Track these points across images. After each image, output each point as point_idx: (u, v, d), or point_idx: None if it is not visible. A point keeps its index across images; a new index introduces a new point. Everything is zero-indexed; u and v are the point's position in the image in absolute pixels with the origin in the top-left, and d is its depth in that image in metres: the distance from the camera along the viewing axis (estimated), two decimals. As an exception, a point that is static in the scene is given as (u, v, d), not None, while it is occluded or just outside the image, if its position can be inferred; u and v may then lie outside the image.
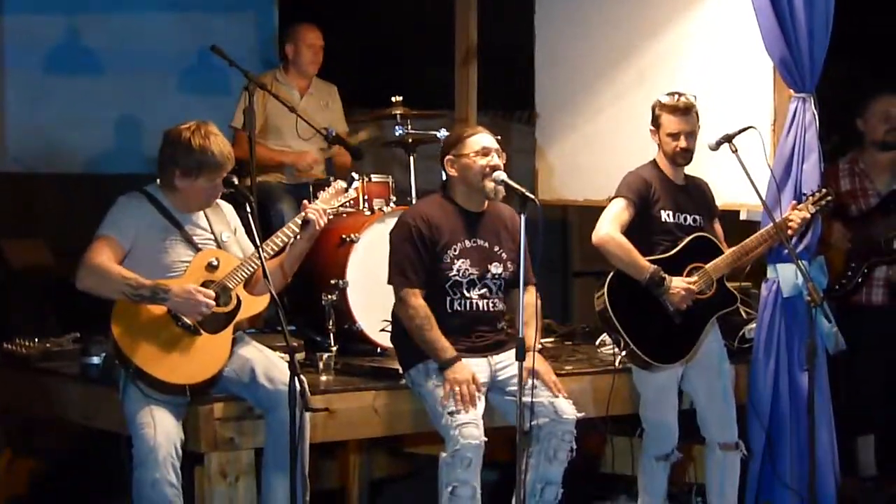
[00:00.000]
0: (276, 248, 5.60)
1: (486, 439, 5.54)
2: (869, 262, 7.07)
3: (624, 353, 6.08)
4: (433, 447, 6.12)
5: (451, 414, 5.54)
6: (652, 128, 6.17)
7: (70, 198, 8.57)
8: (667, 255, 6.06)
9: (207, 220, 5.61)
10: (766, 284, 6.46)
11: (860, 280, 7.08)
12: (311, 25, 7.89)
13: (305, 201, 5.73)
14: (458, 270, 5.76)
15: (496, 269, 5.84)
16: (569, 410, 5.72)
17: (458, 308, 5.78)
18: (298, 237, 5.65)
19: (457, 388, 5.55)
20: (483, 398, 5.67)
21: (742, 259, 6.16)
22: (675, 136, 6.11)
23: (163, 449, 5.21)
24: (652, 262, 6.00)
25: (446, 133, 6.96)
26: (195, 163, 5.45)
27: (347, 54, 8.51)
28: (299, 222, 5.66)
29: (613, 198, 6.12)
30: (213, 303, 5.38)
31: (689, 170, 6.28)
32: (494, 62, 8.53)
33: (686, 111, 6.10)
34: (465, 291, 5.78)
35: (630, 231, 6.04)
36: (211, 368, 5.39)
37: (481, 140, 5.80)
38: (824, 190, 6.28)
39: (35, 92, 8.65)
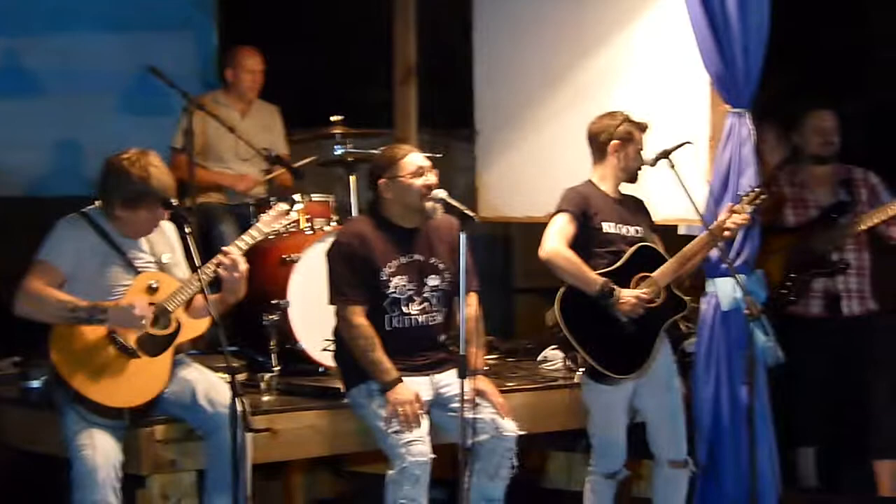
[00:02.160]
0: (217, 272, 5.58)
1: (433, 456, 5.55)
2: (808, 274, 7.12)
3: (582, 369, 6.07)
4: (376, 466, 6.13)
5: (396, 433, 5.55)
6: (617, 141, 6.18)
7: (9, 221, 8.50)
8: (613, 266, 6.08)
9: (149, 242, 5.60)
10: (706, 299, 6.51)
11: (798, 290, 7.13)
12: (251, 50, 7.88)
13: (222, 252, 5.59)
14: (395, 287, 5.77)
15: (433, 280, 5.85)
16: (509, 427, 5.73)
17: (397, 325, 5.78)
18: (224, 287, 5.57)
19: (400, 410, 5.55)
20: (427, 416, 5.68)
21: (685, 265, 6.17)
22: (640, 153, 6.19)
23: (102, 471, 5.20)
24: (600, 275, 6.03)
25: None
26: (135, 194, 5.43)
27: (287, 74, 8.51)
28: (241, 245, 5.64)
29: (554, 214, 6.15)
30: (150, 314, 5.36)
31: (629, 185, 6.31)
32: (433, 80, 8.55)
33: (646, 131, 6.22)
34: (403, 308, 5.79)
35: (574, 245, 6.06)
36: (150, 392, 5.38)
37: (415, 160, 5.82)
38: (758, 189, 6.32)
39: (-28, 114, 8.60)
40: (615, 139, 6.19)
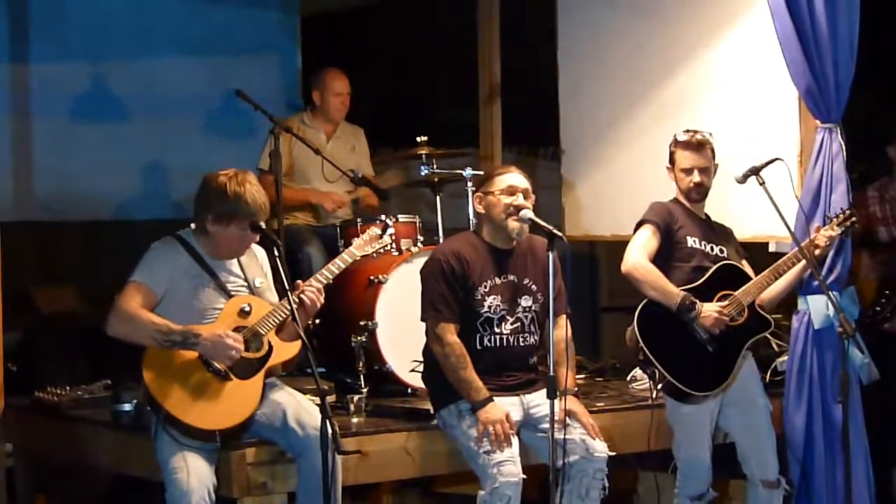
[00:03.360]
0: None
1: (524, 476, 5.51)
2: (903, 290, 7.05)
3: (660, 386, 6.02)
4: (464, 487, 6.11)
5: (487, 453, 5.52)
6: (668, 165, 6.20)
7: (98, 244, 8.61)
8: (696, 283, 6.03)
9: (241, 266, 5.63)
10: (797, 316, 6.43)
11: (893, 308, 7.04)
12: (338, 72, 7.90)
13: (299, 281, 5.64)
14: (490, 307, 5.75)
15: (526, 301, 5.83)
16: (600, 448, 5.69)
17: (488, 344, 5.76)
18: (298, 313, 5.51)
19: (490, 429, 5.53)
20: (517, 437, 5.65)
21: (772, 283, 6.09)
22: (688, 172, 6.14)
23: (196, 494, 5.21)
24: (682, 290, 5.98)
25: (472, 171, 6.97)
26: (228, 210, 5.46)
27: (370, 95, 8.54)
28: (334, 269, 5.69)
29: (638, 225, 6.11)
30: (243, 347, 5.38)
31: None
32: (518, 99, 8.54)
33: (699, 147, 6.13)
34: (495, 328, 5.77)
35: (657, 257, 6.03)
36: (241, 414, 5.39)
37: (508, 179, 5.80)
38: (848, 211, 6.24)
39: (61, 139, 8.71)
40: (668, 163, 6.19)
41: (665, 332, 5.96)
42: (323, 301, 5.60)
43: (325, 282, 5.66)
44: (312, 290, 5.55)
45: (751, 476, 6.22)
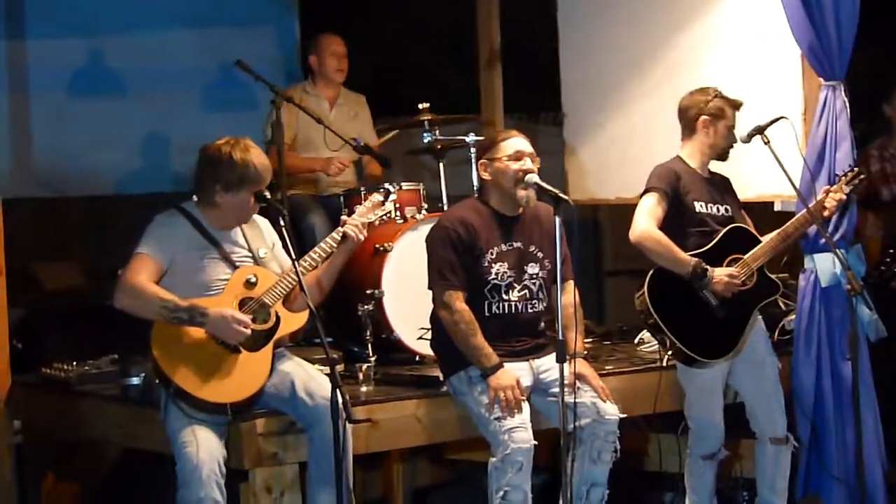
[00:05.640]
0: (315, 264, 5.57)
1: (535, 442, 5.51)
2: (906, 248, 7.03)
3: (671, 352, 6.01)
4: (475, 453, 6.11)
5: (498, 419, 5.51)
6: (707, 117, 6.11)
7: (100, 219, 8.59)
8: (705, 248, 6.00)
9: (244, 236, 5.59)
10: (804, 275, 6.42)
11: (898, 265, 7.04)
12: (332, 34, 7.89)
13: (344, 216, 5.70)
14: (497, 274, 5.73)
15: (533, 269, 5.80)
16: (611, 411, 5.68)
17: (497, 311, 5.74)
18: (336, 251, 5.61)
19: (501, 395, 5.52)
20: (527, 402, 5.63)
21: (780, 246, 6.10)
22: (731, 131, 6.12)
23: (206, 467, 5.20)
24: (691, 255, 5.96)
25: (475, 137, 6.94)
26: (237, 176, 5.43)
27: (370, 63, 8.49)
28: (337, 237, 5.64)
29: (645, 192, 6.07)
30: (249, 331, 5.34)
31: (722, 163, 6.24)
32: (518, 64, 8.50)
33: (739, 108, 6.15)
34: (503, 294, 5.74)
35: (664, 224, 5.99)
36: (251, 387, 5.37)
37: (515, 144, 5.77)
38: (856, 169, 6.23)
39: (60, 115, 8.67)
40: (705, 115, 6.11)
41: (675, 299, 5.95)
42: (364, 237, 5.63)
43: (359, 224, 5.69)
44: (356, 226, 5.57)
45: (760, 433, 6.22)
